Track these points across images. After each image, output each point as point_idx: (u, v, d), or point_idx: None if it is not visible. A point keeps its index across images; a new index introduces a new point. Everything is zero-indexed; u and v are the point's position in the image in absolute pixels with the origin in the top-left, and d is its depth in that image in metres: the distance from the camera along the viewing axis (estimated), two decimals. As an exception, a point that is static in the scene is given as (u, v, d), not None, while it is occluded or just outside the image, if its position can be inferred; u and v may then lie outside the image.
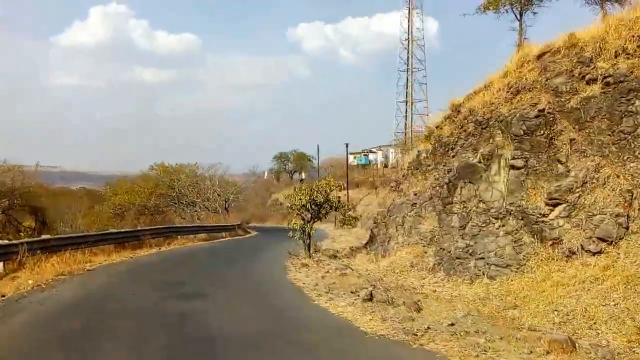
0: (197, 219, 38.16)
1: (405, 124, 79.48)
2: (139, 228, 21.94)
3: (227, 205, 41.47)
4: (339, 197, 18.12)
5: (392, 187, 23.23)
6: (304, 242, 16.71)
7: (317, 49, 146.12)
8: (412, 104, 77.55)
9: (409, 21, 77.83)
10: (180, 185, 39.76)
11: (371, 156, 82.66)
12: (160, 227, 23.95)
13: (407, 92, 78.50)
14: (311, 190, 16.19)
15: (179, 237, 25.46)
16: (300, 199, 16.10)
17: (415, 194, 14.00)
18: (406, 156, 18.75)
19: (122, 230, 20.71)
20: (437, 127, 16.39)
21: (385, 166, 77.74)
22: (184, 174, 41.79)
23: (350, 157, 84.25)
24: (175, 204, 39.47)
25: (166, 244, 22.77)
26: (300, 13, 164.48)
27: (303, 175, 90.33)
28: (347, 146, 54.93)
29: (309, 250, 16.61)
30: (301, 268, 14.10)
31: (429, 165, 15.37)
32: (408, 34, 77.29)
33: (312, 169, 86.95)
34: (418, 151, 17.52)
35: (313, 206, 16.13)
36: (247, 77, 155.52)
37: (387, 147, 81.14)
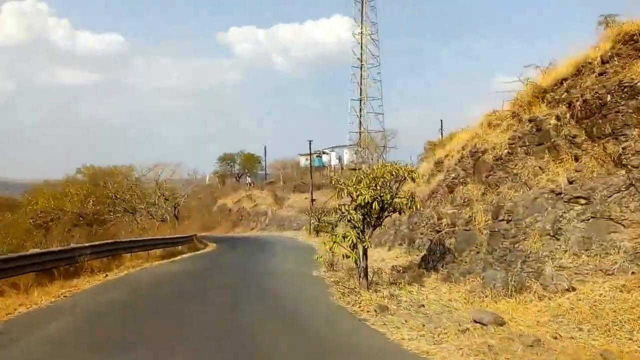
0: (142, 229, 30.74)
1: (360, 122, 75.37)
2: (73, 246, 14.84)
3: (176, 211, 34.21)
4: (413, 193, 12.32)
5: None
6: (357, 264, 10.83)
7: (250, 53, 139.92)
8: (366, 101, 73.62)
9: (361, 14, 73.98)
10: (116, 189, 32.12)
11: (324, 157, 77.39)
12: (104, 243, 16.89)
13: (360, 90, 74.52)
14: (376, 180, 10.30)
15: (130, 254, 18.51)
16: (360, 194, 10.10)
17: (571, 183, 8.51)
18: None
19: (49, 250, 13.56)
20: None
21: (341, 168, 73.01)
22: (120, 176, 34.18)
23: (302, 159, 78.88)
24: (111, 211, 31.73)
25: (115, 267, 15.84)
26: (231, 17, 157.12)
27: (248, 179, 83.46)
28: (310, 143, 48.99)
29: (366, 279, 10.71)
30: (380, 315, 8.24)
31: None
32: (360, 27, 73.32)
33: (260, 172, 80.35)
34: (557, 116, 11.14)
35: (373, 207, 10.24)
36: (178, 81, 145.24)
37: (342, 147, 76.55)
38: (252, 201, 62.70)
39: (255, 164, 74.40)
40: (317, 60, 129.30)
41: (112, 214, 29.16)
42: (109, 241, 17.22)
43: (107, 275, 14.34)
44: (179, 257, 22.09)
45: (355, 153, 75.52)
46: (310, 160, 51.78)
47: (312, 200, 39.08)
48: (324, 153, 79.26)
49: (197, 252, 25.92)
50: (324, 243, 12.66)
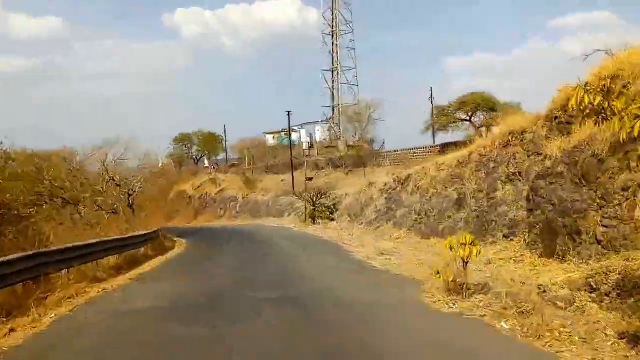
0: (87, 225, 23.03)
1: (332, 95, 68.62)
2: None
3: (131, 200, 26.42)
4: None
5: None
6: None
7: (197, 36, 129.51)
8: (340, 72, 66.77)
9: (331, -25, 66.66)
10: (52, 176, 24.16)
11: (294, 135, 70.17)
12: (14, 258, 9.43)
13: (333, 59, 67.57)
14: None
15: (67, 270, 11.21)
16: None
17: None
18: None
19: None
20: None
21: (311, 146, 66.31)
22: (58, 161, 26.21)
23: (269, 138, 71.41)
24: (46, 203, 23.73)
25: (32, 306, 8.54)
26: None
27: (206, 163, 74.98)
28: (289, 115, 42.00)
29: None
30: None
31: None
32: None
33: (221, 154, 72.18)
34: None
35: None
36: (122, 65, 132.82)
37: (312, 124, 69.67)
38: (216, 185, 54.95)
39: (217, 144, 66.19)
40: (269, 41, 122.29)
41: (38, 206, 21.16)
42: (24, 254, 9.75)
43: (10, 334, 7.08)
44: (146, 267, 14.94)
45: (329, 130, 69.10)
46: (290, 133, 44.95)
47: (308, 179, 32.19)
48: (293, 131, 71.93)
49: (168, 255, 18.69)
50: (449, 247, 6.36)
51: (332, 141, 61.46)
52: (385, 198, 22.23)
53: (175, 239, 26.75)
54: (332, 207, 27.65)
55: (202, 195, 55.90)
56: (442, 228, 16.18)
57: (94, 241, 14.18)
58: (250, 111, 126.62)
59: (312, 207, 26.63)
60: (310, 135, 70.74)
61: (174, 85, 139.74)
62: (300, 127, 71.25)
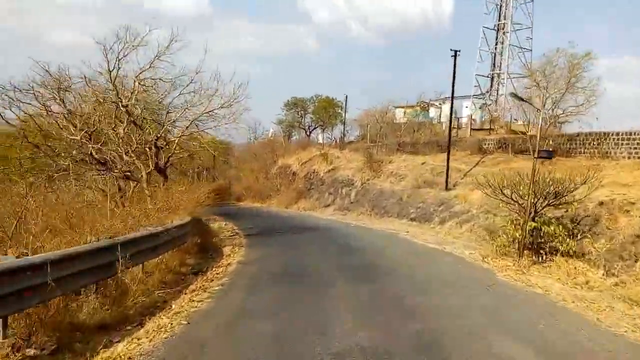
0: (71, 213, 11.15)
1: (494, 63, 51.33)
2: None
3: (167, 161, 13.89)
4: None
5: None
6: None
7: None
8: (509, 32, 49.11)
9: None
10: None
11: (432, 111, 54.34)
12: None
13: (500, 13, 50.14)
14: None
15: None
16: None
17: None
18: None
19: None
20: None
21: (458, 126, 49.88)
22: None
23: (399, 112, 56.31)
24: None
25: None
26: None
27: (320, 138, 62.29)
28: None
29: None
30: None
31: None
32: None
33: (337, 125, 59.06)
34: None
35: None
36: (256, 45, 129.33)
37: (464, 98, 53.25)
38: (328, 163, 41.75)
39: (336, 111, 52.88)
40: (398, 27, 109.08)
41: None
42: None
43: None
44: None
45: (481, 107, 52.04)
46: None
47: (539, 158, 15.67)
48: (431, 105, 55.91)
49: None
50: None
51: (492, 120, 44.63)
52: None
53: (243, 236, 14.08)
54: (574, 223, 12.42)
55: (308, 173, 43.32)
56: None
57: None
58: (377, 87, 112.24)
59: (531, 223, 11.70)
60: (456, 112, 54.37)
61: (297, 67, 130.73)
62: (442, 101, 55.33)
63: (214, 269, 10.93)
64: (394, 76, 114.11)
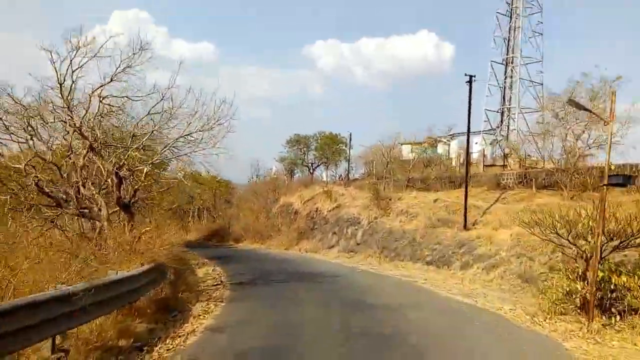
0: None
1: (503, 97, 49.48)
2: None
3: (132, 197, 11.33)
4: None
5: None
6: None
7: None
8: (517, 64, 47.45)
9: None
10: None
11: (440, 147, 52.10)
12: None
13: (508, 47, 48.73)
14: None
15: None
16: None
17: None
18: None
19: None
20: None
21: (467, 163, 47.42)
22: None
23: (405, 149, 54.01)
24: None
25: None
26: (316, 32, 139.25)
27: (324, 176, 59.90)
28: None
29: None
30: None
31: None
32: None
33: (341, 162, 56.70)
34: None
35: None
36: (260, 89, 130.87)
37: (474, 134, 51.02)
38: (332, 201, 39.10)
39: (340, 147, 50.72)
40: (399, 73, 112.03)
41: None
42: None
43: None
44: None
45: (492, 143, 49.73)
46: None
47: (610, 185, 12.47)
48: (438, 141, 53.75)
49: None
50: None
51: (504, 155, 42.21)
52: None
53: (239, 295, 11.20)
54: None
55: (310, 211, 40.63)
56: None
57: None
58: (380, 125, 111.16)
59: (600, 273, 8.93)
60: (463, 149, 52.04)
61: (301, 110, 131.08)
62: (450, 137, 53.22)
63: (167, 341, 8.05)
64: (400, 115, 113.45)
